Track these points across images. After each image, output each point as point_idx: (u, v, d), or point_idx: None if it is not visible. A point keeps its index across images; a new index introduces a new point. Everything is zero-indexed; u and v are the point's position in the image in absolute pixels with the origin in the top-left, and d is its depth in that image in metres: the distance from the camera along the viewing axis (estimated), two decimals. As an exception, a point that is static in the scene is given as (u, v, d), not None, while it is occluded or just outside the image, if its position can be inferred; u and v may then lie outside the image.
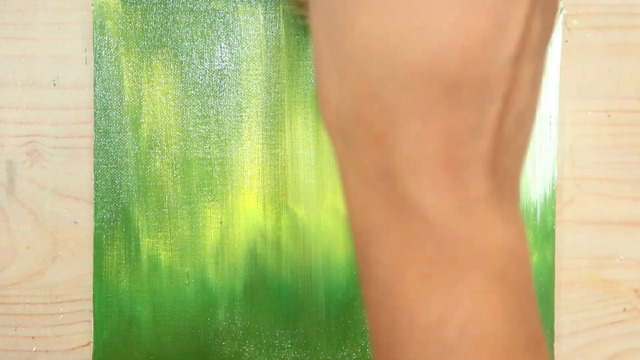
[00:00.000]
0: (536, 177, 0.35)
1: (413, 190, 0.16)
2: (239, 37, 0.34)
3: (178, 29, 0.34)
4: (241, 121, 0.34)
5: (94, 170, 0.34)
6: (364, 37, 0.17)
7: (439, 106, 0.16)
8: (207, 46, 0.34)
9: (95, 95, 0.34)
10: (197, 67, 0.34)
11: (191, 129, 0.34)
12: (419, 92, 0.16)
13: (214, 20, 0.34)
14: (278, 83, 0.34)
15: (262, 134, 0.34)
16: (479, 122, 0.16)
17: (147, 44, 0.34)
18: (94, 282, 0.34)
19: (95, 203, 0.34)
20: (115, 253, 0.34)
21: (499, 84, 0.16)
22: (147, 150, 0.34)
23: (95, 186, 0.34)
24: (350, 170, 0.18)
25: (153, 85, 0.34)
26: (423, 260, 0.17)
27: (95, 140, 0.34)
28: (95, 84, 0.34)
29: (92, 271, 0.34)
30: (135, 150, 0.34)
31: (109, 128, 0.34)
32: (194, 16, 0.34)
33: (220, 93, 0.34)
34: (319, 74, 0.19)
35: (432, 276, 0.16)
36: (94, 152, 0.34)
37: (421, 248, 0.17)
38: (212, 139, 0.34)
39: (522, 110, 0.17)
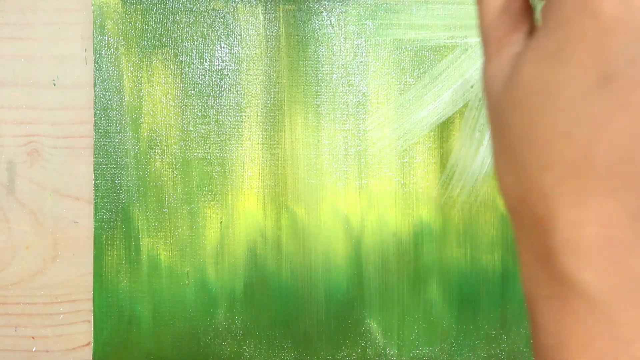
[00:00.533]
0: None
1: (573, 269, 0.17)
2: (239, 37, 0.34)
3: (178, 29, 0.34)
4: (241, 121, 0.34)
5: (94, 170, 0.34)
6: (521, 132, 0.19)
7: (595, 195, 0.17)
8: (207, 46, 0.34)
9: (95, 95, 0.34)
10: (197, 67, 0.34)
11: (191, 129, 0.34)
12: (573, 184, 0.17)
13: (214, 20, 0.34)
14: (278, 83, 0.34)
15: (262, 134, 0.34)
16: (639, 205, 0.17)
17: (147, 44, 0.34)
18: (94, 282, 0.34)
19: (95, 203, 0.34)
20: (115, 253, 0.34)
21: None
22: (147, 150, 0.34)
23: (95, 186, 0.34)
24: (522, 245, 0.20)
25: (153, 85, 0.34)
26: (585, 332, 0.18)
27: (95, 140, 0.34)
28: (95, 84, 0.34)
29: (92, 271, 0.34)
30: (135, 150, 0.34)
31: (109, 128, 0.34)
32: (194, 16, 0.34)
33: (220, 93, 0.34)
34: (495, 156, 0.21)
35: (594, 347, 0.18)
36: (94, 152, 0.34)
37: (582, 322, 0.18)
38: (212, 139, 0.34)
39: None
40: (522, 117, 0.19)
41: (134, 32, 0.34)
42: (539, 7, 0.24)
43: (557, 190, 0.18)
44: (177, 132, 0.34)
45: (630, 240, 0.17)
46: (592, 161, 0.17)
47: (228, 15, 0.34)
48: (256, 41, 0.34)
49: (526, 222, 0.19)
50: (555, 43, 0.18)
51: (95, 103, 0.34)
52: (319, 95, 0.34)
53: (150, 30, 0.34)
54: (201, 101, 0.34)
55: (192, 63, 0.34)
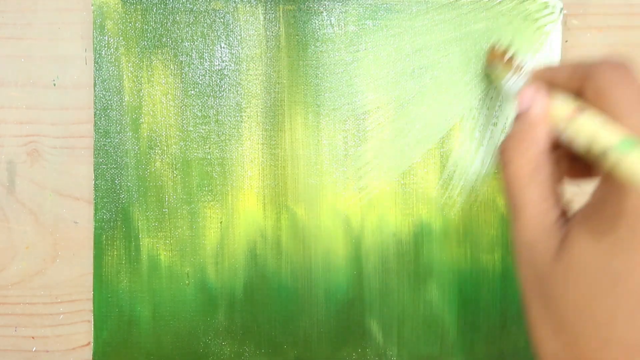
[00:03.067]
0: (536, 177, 0.35)
1: None
2: (239, 37, 0.34)
3: (178, 29, 0.34)
4: (241, 121, 0.34)
5: (94, 170, 0.34)
6: (576, 307, 0.20)
7: None
8: (207, 46, 0.34)
9: (95, 95, 0.34)
10: (197, 67, 0.34)
11: (191, 129, 0.34)
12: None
13: (214, 20, 0.34)
14: (278, 83, 0.34)
15: (262, 134, 0.34)
16: None
17: (147, 44, 0.34)
18: (94, 282, 0.34)
19: (95, 203, 0.34)
20: (115, 253, 0.34)
21: None
22: (147, 150, 0.34)
23: (95, 186, 0.34)
24: None
25: (153, 85, 0.34)
26: None
27: (95, 140, 0.34)
28: (95, 84, 0.34)
29: (92, 271, 0.34)
30: (135, 150, 0.34)
31: (109, 128, 0.34)
32: (194, 16, 0.34)
33: (220, 93, 0.34)
34: (535, 321, 0.22)
35: None
36: (94, 152, 0.34)
37: None
38: (212, 139, 0.34)
39: None
40: (579, 292, 0.20)
41: (134, 32, 0.34)
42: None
43: None
44: (177, 132, 0.34)
45: None
46: None
47: (228, 15, 0.34)
48: (256, 41, 0.34)
49: None
50: (614, 229, 0.19)
51: (95, 103, 0.34)
52: (319, 95, 0.34)
53: (150, 30, 0.34)
54: (201, 101, 0.34)
55: (192, 63, 0.34)
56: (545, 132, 0.24)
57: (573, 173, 0.26)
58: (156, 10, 0.34)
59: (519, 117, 0.25)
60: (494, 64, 0.32)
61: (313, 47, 0.34)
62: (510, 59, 0.31)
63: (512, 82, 0.29)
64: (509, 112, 0.35)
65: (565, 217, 0.23)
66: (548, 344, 0.21)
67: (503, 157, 0.25)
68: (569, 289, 0.20)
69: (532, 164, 0.23)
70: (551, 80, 0.26)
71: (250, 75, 0.34)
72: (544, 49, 0.34)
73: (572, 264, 0.20)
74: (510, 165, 0.24)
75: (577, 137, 0.23)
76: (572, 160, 0.26)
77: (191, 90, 0.34)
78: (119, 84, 0.34)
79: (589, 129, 0.22)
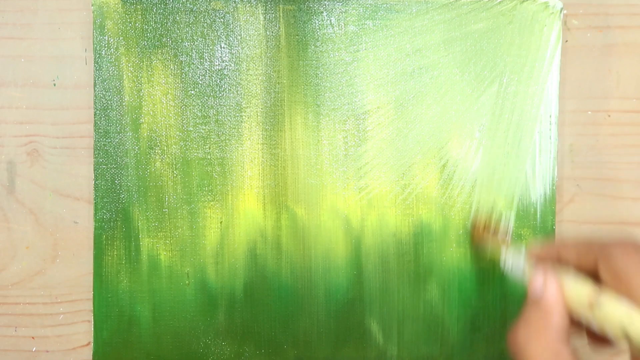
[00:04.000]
0: (536, 177, 0.35)
1: None
2: (239, 37, 0.34)
3: (178, 29, 0.34)
4: (241, 121, 0.34)
5: (94, 170, 0.34)
6: None
7: None
8: (207, 46, 0.34)
9: (95, 95, 0.34)
10: (197, 67, 0.34)
11: (191, 129, 0.34)
12: None
13: (214, 20, 0.34)
14: (278, 83, 0.34)
15: (262, 134, 0.34)
16: None
17: (147, 44, 0.34)
18: (94, 282, 0.34)
19: (95, 203, 0.34)
20: (115, 253, 0.34)
21: None
22: (147, 150, 0.34)
23: (95, 186, 0.34)
24: None
25: (153, 85, 0.34)
26: None
27: (95, 140, 0.34)
28: (95, 84, 0.34)
29: (92, 271, 0.34)
30: (135, 150, 0.34)
31: (109, 128, 0.34)
32: (194, 16, 0.34)
33: (220, 93, 0.34)
34: None
35: None
36: (94, 152, 0.34)
37: None
38: (212, 139, 0.34)
39: None
40: None
41: (134, 32, 0.34)
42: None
43: None
44: (177, 132, 0.34)
45: None
46: None
47: (228, 15, 0.34)
48: (256, 41, 0.34)
49: None
50: None
51: (95, 103, 0.34)
52: (319, 95, 0.34)
53: (150, 30, 0.34)
54: (201, 101, 0.34)
55: (192, 63, 0.34)
56: (561, 317, 0.24)
57: (592, 342, 0.26)
58: (156, 10, 0.34)
59: (531, 303, 0.25)
60: (482, 241, 0.33)
61: (313, 47, 0.34)
62: (496, 230, 0.31)
63: (511, 260, 0.29)
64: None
65: None
66: None
67: (517, 344, 0.24)
68: None
69: (550, 352, 0.23)
70: (557, 259, 0.26)
71: (250, 75, 0.34)
72: (544, 49, 0.34)
73: None
74: (525, 352, 0.23)
75: (604, 322, 0.23)
76: (590, 335, 0.26)
77: (191, 90, 0.34)
78: (119, 84, 0.34)
79: (618, 315, 0.22)
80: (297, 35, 0.34)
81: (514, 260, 0.28)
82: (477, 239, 0.34)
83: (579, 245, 0.26)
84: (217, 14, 0.34)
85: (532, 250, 0.28)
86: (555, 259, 0.27)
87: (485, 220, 0.34)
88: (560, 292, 0.24)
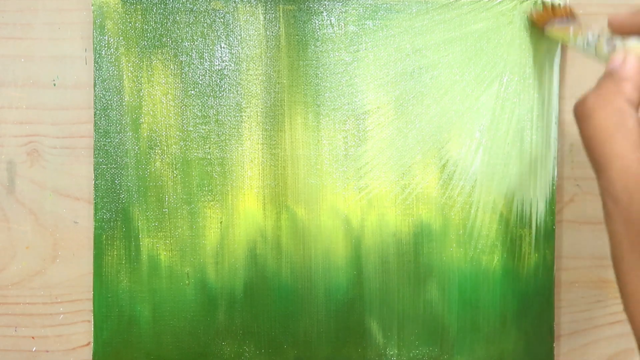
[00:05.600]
0: (536, 177, 0.35)
1: None
2: (239, 37, 0.34)
3: (178, 29, 0.34)
4: (241, 121, 0.34)
5: (94, 170, 0.34)
6: None
7: None
8: (207, 46, 0.34)
9: (95, 95, 0.34)
10: (197, 67, 0.34)
11: (191, 129, 0.34)
12: None
13: (214, 20, 0.34)
14: (278, 83, 0.34)
15: (262, 134, 0.34)
16: None
17: (147, 44, 0.34)
18: (94, 282, 0.34)
19: (95, 203, 0.34)
20: (115, 253, 0.34)
21: None
22: (147, 150, 0.34)
23: (95, 186, 0.34)
24: None
25: (153, 85, 0.34)
26: None
27: (95, 140, 0.34)
28: (95, 84, 0.34)
29: (92, 271, 0.34)
30: (135, 150, 0.34)
31: (109, 128, 0.34)
32: (194, 16, 0.34)
33: (220, 93, 0.34)
34: (623, 277, 0.23)
35: None
36: (94, 152, 0.34)
37: None
38: (212, 139, 0.34)
39: None
40: None
41: (134, 32, 0.34)
42: None
43: None
44: (177, 132, 0.34)
45: None
46: None
47: (228, 15, 0.34)
48: (256, 41, 0.34)
49: None
50: None
51: (95, 103, 0.34)
52: (319, 95, 0.34)
53: (150, 30, 0.34)
54: (201, 101, 0.34)
55: (192, 63, 0.34)
56: (635, 86, 0.24)
57: None
58: (156, 10, 0.34)
59: (605, 76, 0.25)
60: (551, 26, 0.32)
61: (313, 47, 0.34)
62: (562, 12, 0.31)
63: (586, 38, 0.28)
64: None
65: None
66: None
67: (583, 110, 0.24)
68: None
69: (618, 115, 0.23)
70: (637, 30, 0.26)
71: (250, 75, 0.34)
72: (543, 49, 0.34)
73: None
74: (593, 117, 0.23)
75: None
76: None
77: (191, 90, 0.34)
78: (119, 84, 0.34)
79: None
80: (297, 35, 0.34)
81: (587, 35, 0.28)
82: (541, 24, 0.33)
83: None
84: (217, 14, 0.34)
85: (611, 19, 0.27)
86: (636, 30, 0.26)
87: (545, 5, 0.33)
88: (638, 65, 0.24)
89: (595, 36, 0.28)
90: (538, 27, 0.34)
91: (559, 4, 0.33)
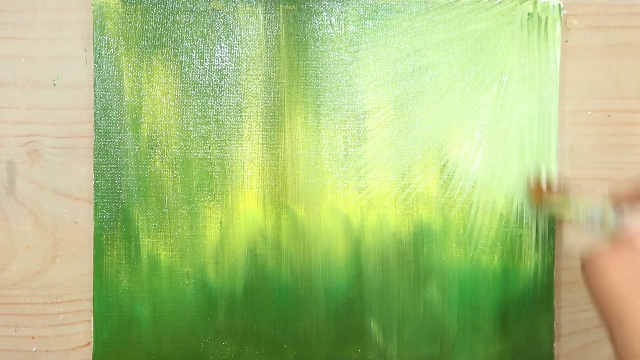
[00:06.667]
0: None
1: None
2: (239, 37, 0.34)
3: (178, 29, 0.34)
4: (241, 121, 0.34)
5: (94, 170, 0.34)
6: None
7: None
8: (207, 46, 0.34)
9: (95, 95, 0.34)
10: (197, 67, 0.34)
11: (191, 129, 0.34)
12: None
13: (214, 20, 0.34)
14: (278, 83, 0.34)
15: (262, 134, 0.34)
16: None
17: (147, 44, 0.34)
18: (94, 282, 0.34)
19: (95, 203, 0.34)
20: (115, 253, 0.34)
21: None
22: (147, 150, 0.34)
23: (95, 186, 0.34)
24: None
25: (153, 85, 0.34)
26: None
27: (95, 140, 0.34)
28: (95, 84, 0.34)
29: (92, 271, 0.34)
30: (135, 150, 0.34)
31: (109, 128, 0.34)
32: (194, 16, 0.34)
33: (220, 93, 0.34)
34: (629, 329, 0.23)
35: None
36: (94, 152, 0.34)
37: None
38: (212, 139, 0.34)
39: None
40: None
41: (134, 32, 0.34)
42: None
43: None
44: (177, 132, 0.34)
45: None
46: None
47: (228, 15, 0.34)
48: (256, 41, 0.34)
49: None
50: None
51: (95, 103, 0.34)
52: (319, 95, 0.34)
53: (150, 30, 0.34)
54: (201, 101, 0.34)
55: (192, 63, 0.34)
56: None
57: None
58: (156, 10, 0.34)
59: (621, 240, 0.25)
60: (548, 203, 0.33)
61: (313, 47, 0.34)
62: (553, 187, 0.32)
63: (586, 209, 0.29)
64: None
65: None
66: None
67: (598, 264, 0.24)
68: None
69: (636, 276, 0.23)
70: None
71: (250, 75, 0.34)
72: (543, 49, 0.34)
73: None
74: (608, 273, 0.23)
75: None
76: None
77: (191, 90, 0.34)
78: (119, 84, 0.34)
79: None
80: (297, 35, 0.34)
81: (590, 209, 0.29)
82: (539, 200, 0.34)
83: None
84: (217, 14, 0.34)
85: (613, 192, 0.28)
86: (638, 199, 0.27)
87: (541, 181, 0.33)
88: None
89: (599, 210, 0.28)
90: (535, 203, 0.34)
91: (550, 183, 0.34)
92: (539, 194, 0.34)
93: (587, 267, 0.25)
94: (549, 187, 0.33)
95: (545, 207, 0.34)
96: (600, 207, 0.28)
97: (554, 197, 0.32)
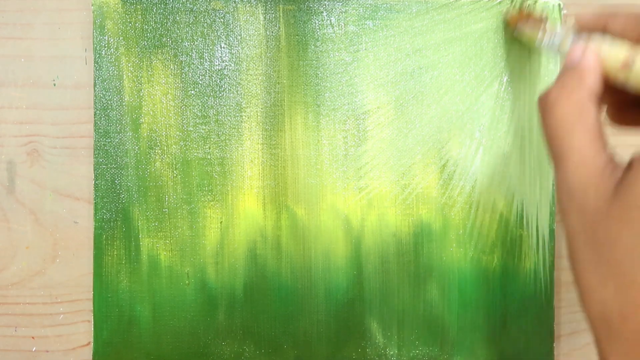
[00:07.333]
0: (536, 177, 0.35)
1: None
2: (239, 37, 0.34)
3: (178, 29, 0.34)
4: (241, 121, 0.34)
5: (94, 170, 0.34)
6: (632, 249, 0.20)
7: None
8: (207, 46, 0.34)
9: (95, 95, 0.34)
10: (197, 67, 0.34)
11: (191, 129, 0.34)
12: None
13: (214, 20, 0.34)
14: (278, 83, 0.34)
15: (262, 134, 0.34)
16: None
17: (147, 44, 0.34)
18: (94, 282, 0.34)
19: (95, 203, 0.34)
20: (115, 253, 0.34)
21: None
22: (147, 150, 0.34)
23: (95, 186, 0.34)
24: (614, 355, 0.21)
25: (153, 85, 0.34)
26: None
27: (95, 140, 0.34)
28: (95, 84, 0.34)
29: (92, 271, 0.34)
30: (135, 150, 0.34)
31: (109, 128, 0.34)
32: (194, 16, 0.34)
33: (220, 93, 0.34)
34: (583, 268, 0.22)
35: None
36: (94, 152, 0.34)
37: None
38: (212, 139, 0.34)
39: None
40: (635, 234, 0.19)
41: (134, 32, 0.34)
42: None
43: None
44: (177, 132, 0.34)
45: None
46: None
47: (228, 15, 0.34)
48: (256, 41, 0.34)
49: (624, 336, 0.20)
50: None
51: (95, 103, 0.34)
52: (319, 95, 0.34)
53: (150, 30, 0.34)
54: (201, 101, 0.34)
55: (192, 63, 0.34)
56: (595, 81, 0.24)
57: (620, 120, 0.27)
58: (156, 10, 0.34)
59: (566, 69, 0.25)
60: (522, 26, 0.33)
61: (313, 47, 0.34)
62: (535, 14, 0.31)
63: (549, 34, 0.29)
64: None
65: (613, 162, 0.23)
66: (597, 292, 0.21)
67: (546, 103, 0.24)
68: (626, 231, 0.20)
69: (578, 108, 0.23)
70: (602, 28, 0.26)
71: (250, 75, 0.34)
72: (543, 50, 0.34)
73: (631, 204, 0.20)
74: (554, 109, 0.24)
75: (638, 80, 0.24)
76: (619, 108, 0.26)
77: (191, 90, 0.34)
78: (119, 84, 0.34)
79: None
80: (297, 35, 0.34)
81: (553, 34, 0.29)
82: (513, 25, 0.33)
83: (629, 16, 0.26)
84: (217, 14, 0.34)
85: (578, 18, 0.28)
86: (601, 28, 0.27)
87: (520, 7, 0.33)
88: (598, 57, 0.25)
89: (561, 35, 0.28)
90: (510, 27, 0.34)
91: (534, 8, 0.34)
92: (518, 17, 0.33)
93: (539, 103, 0.25)
94: (529, 13, 0.33)
95: (518, 30, 0.33)
96: (563, 33, 0.28)
97: (530, 21, 0.32)
